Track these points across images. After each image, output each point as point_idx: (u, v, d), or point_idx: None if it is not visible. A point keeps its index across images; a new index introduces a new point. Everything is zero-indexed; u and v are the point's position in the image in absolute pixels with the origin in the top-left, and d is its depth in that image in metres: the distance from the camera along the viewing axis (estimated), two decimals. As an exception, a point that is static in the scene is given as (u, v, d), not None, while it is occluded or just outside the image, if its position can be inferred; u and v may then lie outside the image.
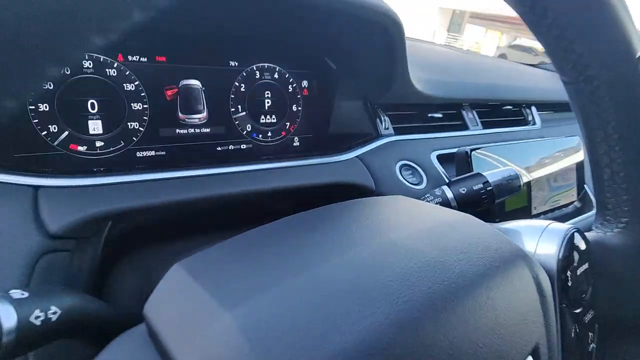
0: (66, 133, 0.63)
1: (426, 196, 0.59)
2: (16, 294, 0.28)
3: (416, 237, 0.34)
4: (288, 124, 0.88)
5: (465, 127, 1.04)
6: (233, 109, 0.80)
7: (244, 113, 0.81)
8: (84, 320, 0.32)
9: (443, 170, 0.84)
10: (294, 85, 0.87)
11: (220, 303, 0.26)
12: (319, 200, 0.78)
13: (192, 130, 0.76)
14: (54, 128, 0.62)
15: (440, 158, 0.86)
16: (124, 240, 0.57)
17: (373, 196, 0.72)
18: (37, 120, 0.61)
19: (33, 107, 0.60)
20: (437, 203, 0.57)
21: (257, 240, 0.36)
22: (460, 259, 0.32)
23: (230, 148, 0.81)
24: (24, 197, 0.45)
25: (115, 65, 0.66)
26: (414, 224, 0.38)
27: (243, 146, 0.83)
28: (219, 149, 0.80)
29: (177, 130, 0.74)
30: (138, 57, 0.68)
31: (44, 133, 0.61)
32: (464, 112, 1.06)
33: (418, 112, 0.97)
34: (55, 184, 0.48)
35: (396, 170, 0.77)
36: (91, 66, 0.64)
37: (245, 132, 0.82)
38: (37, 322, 0.28)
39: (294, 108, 0.88)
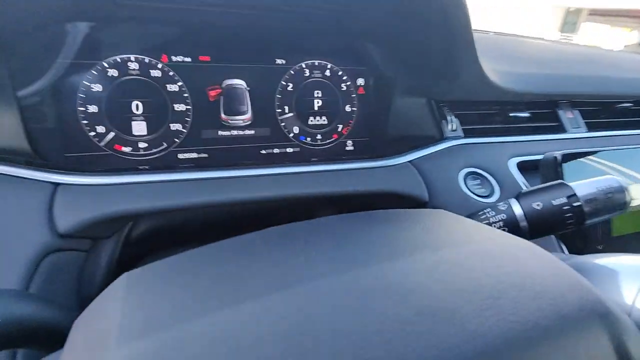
0: (112, 134, 0.64)
1: (485, 211, 0.45)
2: None
3: (425, 270, 0.24)
4: (340, 126, 0.80)
5: (562, 129, 0.85)
6: (279, 110, 0.75)
7: (291, 114, 0.76)
8: (30, 330, 0.28)
9: (525, 181, 0.67)
10: (348, 83, 0.79)
11: (127, 332, 0.19)
12: (362, 210, 0.69)
13: (236, 132, 0.72)
14: (101, 129, 0.64)
15: (522, 166, 0.70)
16: (146, 242, 0.55)
17: (424, 208, 0.60)
18: (86, 122, 0.63)
19: (83, 108, 0.62)
20: (499, 222, 0.43)
21: (233, 251, 0.29)
22: (494, 314, 0.21)
23: (275, 151, 0.76)
24: (41, 193, 0.45)
25: (159, 66, 0.66)
26: (434, 250, 0.27)
27: (289, 149, 0.77)
28: (263, 152, 0.75)
29: (220, 132, 0.71)
30: (182, 57, 0.67)
31: (91, 134, 0.63)
32: (560, 112, 0.86)
33: (498, 111, 0.81)
34: (75, 181, 0.48)
35: (459, 178, 0.63)
36: (137, 68, 0.65)
37: (292, 134, 0.77)
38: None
39: (348, 108, 0.80)
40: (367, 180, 0.60)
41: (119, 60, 0.63)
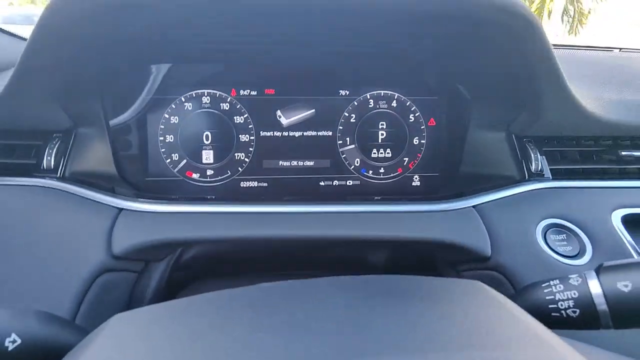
0: (184, 161, 0.71)
1: (552, 284, 0.35)
2: None
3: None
4: (407, 159, 0.75)
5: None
6: (340, 142, 0.73)
7: (352, 146, 0.74)
8: (51, 353, 0.31)
9: (632, 241, 0.52)
10: (417, 114, 0.74)
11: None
12: (414, 259, 0.62)
13: (295, 163, 0.73)
14: (176, 156, 0.70)
15: (631, 221, 0.55)
16: (193, 268, 0.58)
17: (485, 266, 0.51)
18: (164, 149, 0.70)
19: (162, 138, 0.69)
20: (568, 301, 0.33)
21: (221, 305, 0.28)
22: None
23: (334, 184, 0.74)
24: (106, 216, 0.51)
25: (228, 99, 0.70)
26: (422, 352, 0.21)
27: (349, 182, 0.75)
28: (322, 183, 0.74)
29: (281, 163, 0.73)
30: (249, 90, 0.71)
31: (168, 160, 0.70)
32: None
33: (601, 148, 0.66)
34: (135, 207, 0.53)
35: (537, 231, 0.52)
36: (209, 101, 0.70)
37: (352, 167, 0.74)
38: (-10, 348, 0.29)
39: (415, 141, 0.75)
40: (422, 226, 0.54)
41: (194, 95, 0.69)
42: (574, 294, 0.34)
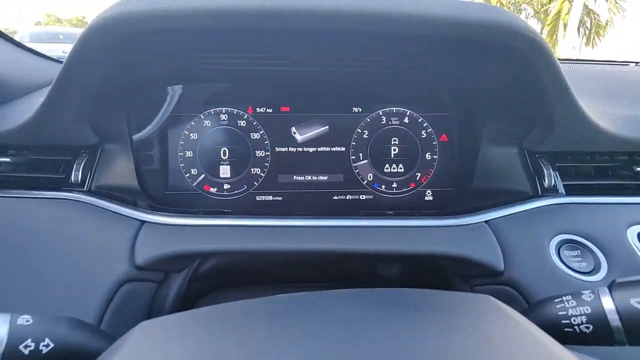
0: (203, 176, 0.73)
1: (564, 299, 0.35)
2: (21, 319, 0.32)
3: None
4: (419, 174, 0.76)
5: None
6: (353, 157, 0.75)
7: (365, 161, 0.75)
8: (80, 357, 0.33)
9: (648, 257, 0.52)
10: (429, 130, 0.76)
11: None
12: (427, 274, 0.62)
13: (309, 178, 0.75)
14: (194, 171, 0.73)
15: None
16: (210, 279, 0.59)
17: (499, 281, 0.52)
18: (183, 164, 0.73)
19: (182, 153, 0.72)
20: (580, 316, 0.33)
21: (241, 314, 0.29)
22: None
23: (347, 198, 0.76)
24: (130, 229, 0.53)
25: (245, 116, 0.73)
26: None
27: (362, 197, 0.76)
28: (335, 198, 0.76)
29: (295, 177, 0.75)
30: (265, 108, 0.73)
31: (187, 175, 0.73)
32: None
33: (616, 164, 0.66)
34: (157, 220, 0.55)
35: (550, 247, 0.52)
36: (226, 118, 0.73)
37: (365, 181, 0.76)
38: (26, 352, 0.31)
39: (428, 156, 0.76)
40: (435, 240, 0.54)
41: (212, 112, 0.72)
42: (587, 309, 0.34)
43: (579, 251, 0.53)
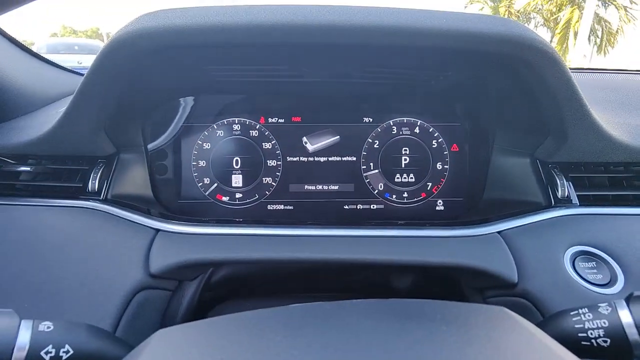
0: (215, 185, 0.74)
1: (581, 312, 0.35)
2: (43, 325, 0.32)
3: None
4: (430, 184, 0.76)
5: None
6: (364, 167, 0.75)
7: (376, 171, 0.76)
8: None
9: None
10: (439, 140, 0.76)
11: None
12: (439, 285, 0.62)
13: (320, 187, 0.75)
14: (207, 180, 0.74)
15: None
16: (223, 287, 0.60)
17: (512, 292, 0.51)
18: (196, 174, 0.74)
19: (195, 162, 0.74)
20: (597, 330, 0.32)
21: (257, 324, 0.29)
22: None
23: (358, 207, 0.76)
24: (145, 237, 0.54)
25: (257, 127, 0.74)
26: None
27: (373, 206, 0.76)
28: (346, 207, 0.76)
29: (306, 187, 0.75)
30: (277, 118, 0.74)
31: (199, 184, 0.74)
32: None
33: (631, 174, 0.65)
34: (172, 229, 0.56)
35: (565, 258, 0.52)
36: (239, 129, 0.74)
37: (376, 191, 0.76)
38: (47, 358, 0.31)
39: (439, 166, 0.76)
40: (447, 251, 0.54)
41: (225, 122, 0.74)
42: (604, 323, 0.34)
43: (594, 263, 0.52)
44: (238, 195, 0.75)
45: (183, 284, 0.56)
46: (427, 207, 0.76)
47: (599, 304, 0.35)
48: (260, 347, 0.27)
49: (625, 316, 0.33)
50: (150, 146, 0.71)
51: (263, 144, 0.74)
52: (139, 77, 0.57)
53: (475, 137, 0.75)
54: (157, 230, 0.56)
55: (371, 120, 0.75)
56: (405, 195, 0.76)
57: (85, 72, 0.53)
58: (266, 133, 0.74)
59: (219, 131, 0.74)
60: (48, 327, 0.32)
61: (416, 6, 0.53)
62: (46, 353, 0.31)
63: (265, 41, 0.49)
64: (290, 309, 0.31)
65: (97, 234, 0.54)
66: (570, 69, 0.60)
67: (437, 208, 0.77)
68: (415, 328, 0.30)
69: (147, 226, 0.56)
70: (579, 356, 0.28)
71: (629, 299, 0.34)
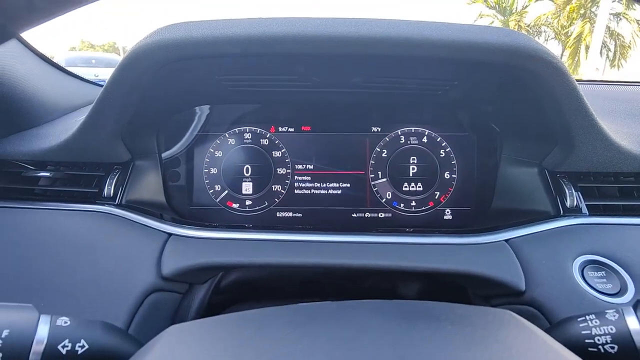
0: (226, 192, 0.76)
1: (588, 318, 0.35)
2: (60, 320, 0.34)
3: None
4: (438, 193, 0.77)
5: None
6: (372, 175, 0.76)
7: (384, 180, 0.76)
8: (112, 359, 0.34)
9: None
10: (447, 149, 0.76)
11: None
12: (446, 292, 0.62)
13: (329, 195, 0.76)
14: (218, 187, 0.76)
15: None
16: (232, 291, 0.61)
17: (520, 300, 0.51)
18: (208, 181, 0.76)
19: (207, 170, 0.75)
20: (605, 336, 0.32)
21: (266, 321, 0.30)
22: None
23: (366, 216, 0.77)
24: (158, 241, 0.56)
25: (267, 135, 0.76)
26: None
27: (381, 215, 0.77)
28: (354, 215, 0.77)
29: (315, 194, 0.76)
30: (287, 127, 0.76)
31: (210, 191, 0.76)
32: None
33: (641, 184, 0.65)
34: (184, 233, 0.58)
35: (574, 267, 0.51)
36: (250, 137, 0.76)
37: (384, 199, 0.77)
38: (63, 351, 0.32)
39: (447, 175, 0.77)
40: (454, 258, 0.54)
41: (237, 131, 0.76)
42: (611, 329, 0.34)
43: (604, 272, 0.52)
44: (248, 203, 0.76)
45: (193, 287, 0.57)
46: (435, 216, 0.77)
47: (607, 311, 0.35)
48: (267, 344, 0.28)
49: (632, 323, 0.33)
50: (164, 154, 0.73)
51: (273, 152, 0.76)
52: (155, 88, 0.59)
53: (483, 147, 0.75)
54: (170, 235, 0.57)
55: (379, 129, 0.76)
56: (413, 204, 0.77)
57: (102, 83, 0.56)
58: (276, 142, 0.76)
59: (230, 140, 0.76)
60: (65, 323, 0.33)
61: (425, 19, 0.55)
62: (63, 347, 0.32)
63: (276, 51, 0.51)
64: (299, 307, 0.32)
65: (111, 237, 0.56)
66: (582, 80, 0.61)
67: (445, 217, 0.77)
68: (422, 328, 0.31)
69: (160, 230, 0.58)
70: None
71: (637, 306, 0.34)
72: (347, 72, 0.64)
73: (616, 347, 0.33)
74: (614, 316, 0.34)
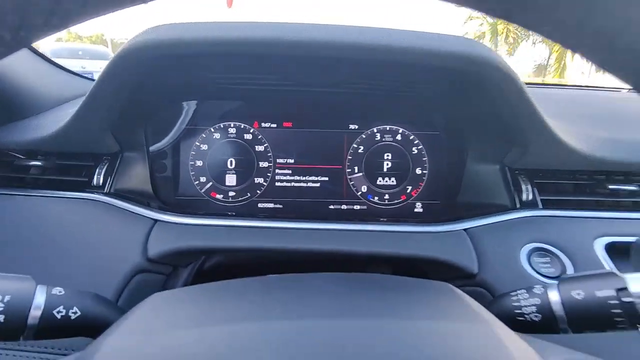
0: (210, 183, 0.80)
1: (519, 292, 0.40)
2: (55, 290, 0.38)
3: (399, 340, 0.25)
4: (409, 187, 0.82)
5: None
6: (349, 170, 0.81)
7: (360, 174, 0.82)
8: (101, 324, 0.38)
9: (614, 267, 0.57)
10: (419, 147, 0.82)
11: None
12: (412, 273, 0.68)
13: (308, 187, 0.81)
14: (203, 179, 0.80)
15: (613, 249, 0.59)
16: (214, 275, 0.65)
17: (473, 282, 0.57)
18: (193, 172, 0.80)
19: (192, 162, 0.80)
20: (531, 306, 0.38)
21: (238, 290, 0.35)
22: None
23: (343, 207, 0.82)
24: (144, 226, 0.60)
25: (251, 130, 0.80)
26: (394, 318, 0.28)
27: (356, 207, 0.82)
28: (331, 207, 0.82)
29: (294, 187, 0.81)
30: (269, 123, 0.81)
31: (196, 182, 0.80)
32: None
33: (593, 182, 0.72)
34: (169, 219, 0.62)
35: (522, 253, 0.57)
36: (234, 132, 0.80)
37: (359, 192, 0.82)
38: (58, 316, 0.36)
39: (418, 171, 0.82)
40: (417, 245, 0.60)
41: (222, 126, 0.80)
42: (537, 301, 0.40)
43: (548, 258, 0.58)
44: (231, 194, 0.80)
45: (177, 270, 0.61)
46: (407, 209, 0.82)
47: (534, 287, 0.41)
48: (237, 311, 0.33)
49: (553, 295, 0.39)
50: (152, 147, 0.76)
51: (256, 146, 0.80)
52: (145, 83, 0.63)
53: (452, 146, 0.81)
54: (156, 221, 0.61)
55: (357, 127, 0.81)
56: (387, 197, 0.82)
57: (89, 76, 0.60)
58: (259, 137, 0.80)
59: (216, 134, 0.80)
60: (60, 292, 0.37)
61: (417, 24, 0.60)
62: (57, 312, 0.36)
63: (258, 53, 0.56)
64: (267, 278, 0.37)
65: (100, 223, 0.60)
66: (530, 84, 0.66)
67: (416, 210, 0.83)
68: (367, 296, 0.35)
69: (146, 217, 0.62)
70: (516, 330, 0.33)
71: (560, 282, 0.40)
72: (325, 72, 0.69)
73: (540, 316, 0.39)
74: (540, 290, 0.40)
